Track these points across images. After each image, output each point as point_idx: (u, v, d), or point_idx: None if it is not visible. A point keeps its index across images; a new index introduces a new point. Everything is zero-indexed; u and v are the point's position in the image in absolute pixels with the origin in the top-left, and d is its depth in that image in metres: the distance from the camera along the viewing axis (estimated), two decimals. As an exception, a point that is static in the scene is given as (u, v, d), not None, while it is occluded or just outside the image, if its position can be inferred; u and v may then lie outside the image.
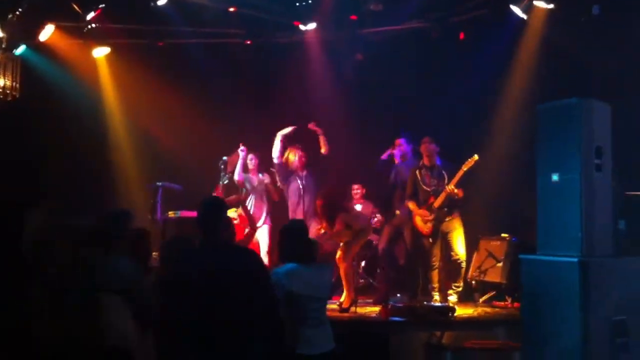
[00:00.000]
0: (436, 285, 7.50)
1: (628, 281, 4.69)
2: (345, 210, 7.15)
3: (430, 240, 7.49)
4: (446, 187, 7.28)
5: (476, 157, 7.21)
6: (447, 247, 7.45)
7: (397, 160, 7.74)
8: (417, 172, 7.56)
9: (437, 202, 7.36)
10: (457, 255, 7.36)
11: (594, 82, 6.63)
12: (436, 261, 7.49)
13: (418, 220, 7.52)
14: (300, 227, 4.47)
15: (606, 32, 6.88)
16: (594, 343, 4.48)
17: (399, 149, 7.81)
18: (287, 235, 4.35)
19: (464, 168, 7.24)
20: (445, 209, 7.36)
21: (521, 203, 7.81)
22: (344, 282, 7.18)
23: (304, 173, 7.93)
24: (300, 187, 7.84)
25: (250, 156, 8.29)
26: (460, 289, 7.37)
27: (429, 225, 7.43)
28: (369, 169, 7.78)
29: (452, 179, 7.27)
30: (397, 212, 7.99)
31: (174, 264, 3.84)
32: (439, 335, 6.36)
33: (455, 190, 7.24)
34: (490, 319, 6.80)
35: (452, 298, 7.33)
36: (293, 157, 7.90)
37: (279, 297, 3.97)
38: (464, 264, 7.37)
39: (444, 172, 7.42)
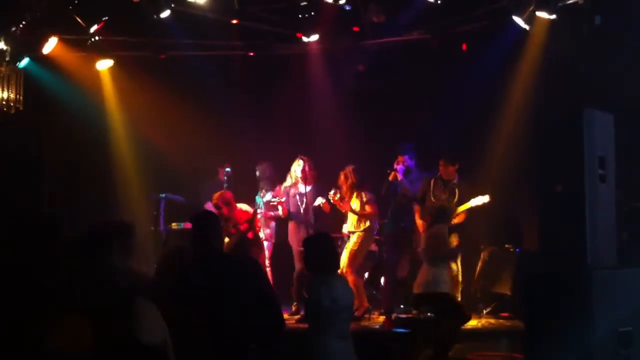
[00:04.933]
0: None
1: (633, 292, 4.65)
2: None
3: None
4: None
5: (488, 198, 7.11)
6: None
7: (400, 177, 7.73)
8: (432, 181, 7.57)
9: None
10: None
11: (596, 92, 6.62)
12: None
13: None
14: (327, 238, 4.58)
15: (608, 42, 6.88)
16: (599, 355, 4.45)
17: (402, 165, 7.80)
18: (316, 246, 4.41)
19: (470, 205, 7.19)
20: None
21: (524, 213, 7.81)
22: (354, 293, 7.21)
23: (307, 187, 7.92)
24: (299, 202, 7.85)
25: (258, 169, 8.33)
26: None
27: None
28: (379, 191, 7.79)
29: (462, 200, 7.26)
30: (402, 224, 7.99)
31: (171, 276, 3.89)
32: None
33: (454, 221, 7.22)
34: (494, 331, 6.77)
35: None
36: (296, 171, 7.92)
37: (317, 310, 4.01)
38: (457, 278, 7.27)
39: (457, 189, 7.40)
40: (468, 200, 7.28)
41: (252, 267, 3.99)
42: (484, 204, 7.18)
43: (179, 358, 3.00)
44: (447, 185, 7.49)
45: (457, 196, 7.38)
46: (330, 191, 7.64)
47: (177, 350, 2.97)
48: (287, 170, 8.12)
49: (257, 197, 8.35)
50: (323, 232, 5.43)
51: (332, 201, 7.64)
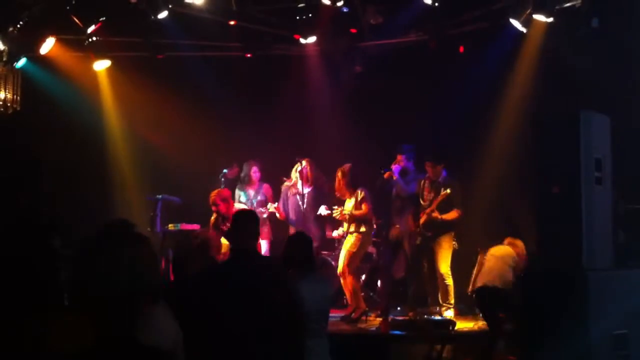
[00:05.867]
0: (430, 297, 7.57)
1: (628, 294, 4.67)
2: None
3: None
4: (426, 210, 7.38)
5: (449, 191, 7.25)
6: (433, 264, 7.45)
7: (395, 176, 7.74)
8: (422, 183, 7.60)
9: (421, 220, 7.44)
10: (439, 272, 7.35)
11: (593, 95, 6.64)
12: (427, 273, 7.52)
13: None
14: (307, 238, 4.58)
15: (605, 45, 6.90)
16: (595, 356, 4.46)
17: (399, 165, 7.82)
18: (296, 245, 4.44)
19: (439, 198, 7.30)
20: (429, 228, 7.39)
21: (520, 215, 7.82)
22: (350, 294, 7.22)
23: (308, 189, 7.91)
24: (300, 203, 7.82)
25: (253, 169, 8.30)
26: (452, 305, 7.31)
27: (418, 238, 7.52)
28: (373, 189, 7.79)
29: (448, 197, 7.30)
30: (397, 225, 8.01)
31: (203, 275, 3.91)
32: (439, 349, 6.33)
33: (433, 215, 7.30)
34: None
35: (449, 313, 7.28)
36: (295, 173, 7.91)
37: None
38: (448, 281, 7.32)
39: (442, 188, 7.41)
40: (455, 197, 7.32)
41: (276, 269, 3.98)
42: (446, 195, 7.26)
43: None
44: (433, 185, 7.52)
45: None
46: (334, 207, 7.56)
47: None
48: (285, 170, 8.13)
49: (244, 198, 8.30)
50: (303, 232, 5.44)
51: (338, 218, 7.56)
